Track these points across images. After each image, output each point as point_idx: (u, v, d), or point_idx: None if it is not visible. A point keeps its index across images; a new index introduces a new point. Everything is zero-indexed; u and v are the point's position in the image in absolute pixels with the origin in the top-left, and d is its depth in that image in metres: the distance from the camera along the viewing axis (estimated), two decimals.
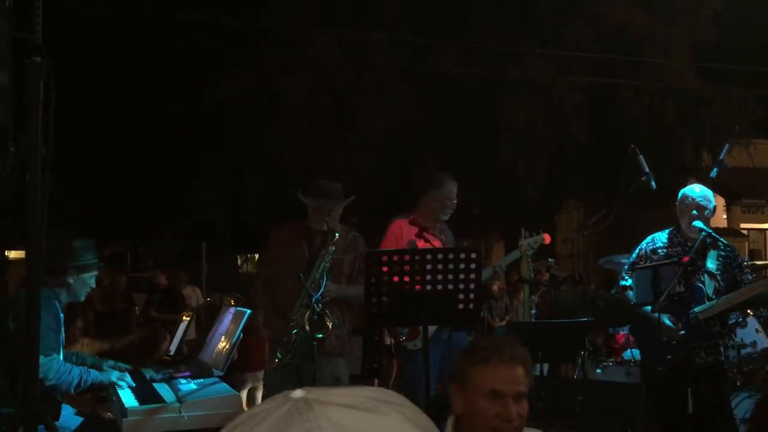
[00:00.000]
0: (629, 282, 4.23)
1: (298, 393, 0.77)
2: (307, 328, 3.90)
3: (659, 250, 4.18)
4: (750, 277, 4.18)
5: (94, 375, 3.67)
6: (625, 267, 4.37)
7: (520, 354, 2.13)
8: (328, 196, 4.15)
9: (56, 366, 3.48)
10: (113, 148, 15.69)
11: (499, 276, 8.47)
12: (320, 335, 3.85)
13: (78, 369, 3.61)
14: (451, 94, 13.56)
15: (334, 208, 4.16)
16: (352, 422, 0.75)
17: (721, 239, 4.18)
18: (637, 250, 4.31)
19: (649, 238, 4.29)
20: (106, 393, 3.80)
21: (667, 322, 3.96)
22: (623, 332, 5.98)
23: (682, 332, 3.95)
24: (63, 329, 3.63)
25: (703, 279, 4.04)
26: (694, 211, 4.07)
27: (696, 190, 4.22)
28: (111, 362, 4.08)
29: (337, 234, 4.06)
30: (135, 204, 16.37)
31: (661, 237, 4.24)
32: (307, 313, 3.91)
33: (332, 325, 4.10)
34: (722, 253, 4.14)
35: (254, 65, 13.87)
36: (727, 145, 5.01)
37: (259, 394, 6.30)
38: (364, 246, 4.32)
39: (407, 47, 13.88)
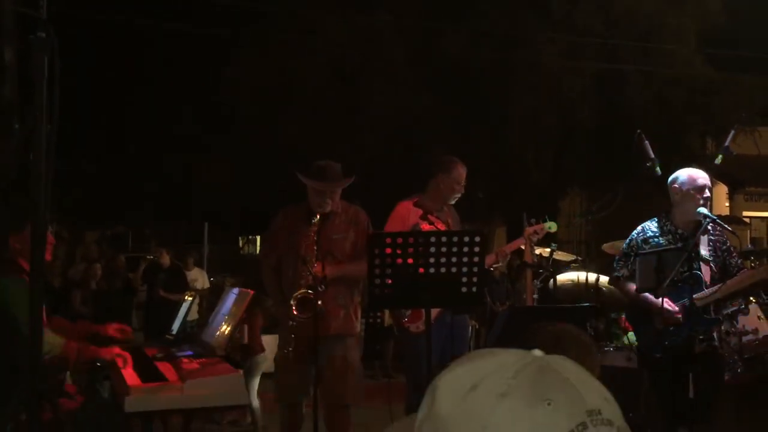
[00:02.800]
0: (622, 273, 4.22)
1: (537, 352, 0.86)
2: (293, 309, 3.89)
3: (650, 240, 4.16)
4: (738, 260, 4.17)
5: (93, 350, 3.64)
6: (617, 258, 4.35)
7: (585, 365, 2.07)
8: (329, 178, 4.10)
9: (47, 339, 3.42)
10: (116, 129, 15.69)
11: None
12: (304, 317, 3.82)
13: (75, 344, 3.59)
14: (458, 79, 13.49)
15: (336, 190, 4.12)
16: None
17: (724, 225, 4.17)
18: (628, 241, 4.28)
19: (639, 228, 4.25)
20: (107, 371, 3.79)
21: (666, 307, 3.95)
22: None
23: (679, 317, 3.95)
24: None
25: (698, 266, 4.03)
26: (707, 192, 4.03)
27: (701, 173, 4.17)
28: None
29: (317, 217, 4.04)
30: (138, 185, 16.39)
31: (650, 226, 4.22)
32: (293, 296, 3.90)
33: (339, 304, 4.10)
34: (712, 237, 4.13)
35: (261, 48, 13.81)
36: (732, 132, 4.97)
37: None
38: (367, 219, 4.27)
39: (415, 31, 13.80)
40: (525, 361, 0.82)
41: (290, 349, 3.98)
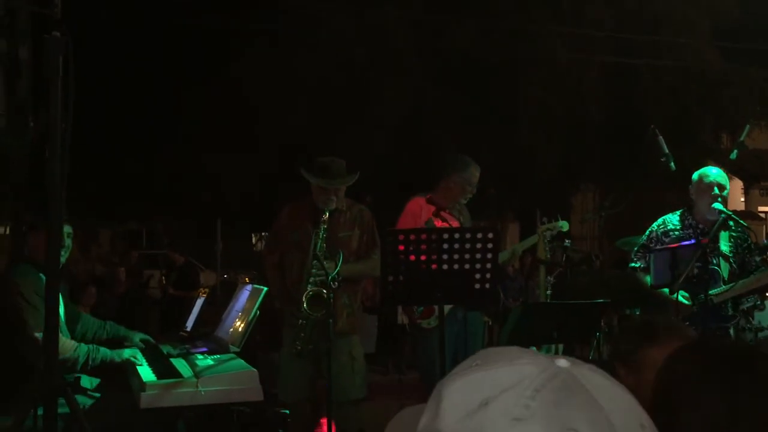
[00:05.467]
0: (639, 264, 4.19)
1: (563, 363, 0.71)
2: (305, 306, 3.84)
3: (671, 233, 4.13)
4: (757, 259, 4.14)
5: (104, 353, 3.64)
6: (635, 249, 4.32)
7: (691, 334, 2.22)
8: (333, 175, 4.01)
9: (63, 345, 3.43)
10: (127, 126, 15.72)
11: (515, 258, 8.51)
12: (318, 314, 3.78)
13: (86, 347, 3.60)
14: (468, 73, 13.45)
15: (340, 187, 4.04)
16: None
17: (741, 221, 4.14)
18: (648, 232, 4.25)
19: (659, 220, 4.23)
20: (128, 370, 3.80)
21: (682, 300, 3.92)
22: None
23: (695, 310, 3.92)
24: (62, 303, 3.43)
25: (717, 261, 4.00)
26: (716, 190, 4.01)
27: (713, 170, 4.16)
28: (141, 335, 4.08)
29: (327, 213, 3.94)
30: (150, 182, 16.43)
31: (672, 219, 4.19)
32: (305, 294, 3.86)
33: (343, 304, 4.08)
34: (733, 234, 4.10)
35: (270, 43, 13.81)
36: (747, 127, 4.95)
37: None
38: (372, 219, 4.20)
39: (423, 24, 13.75)
40: (547, 374, 0.69)
41: (297, 348, 3.96)
